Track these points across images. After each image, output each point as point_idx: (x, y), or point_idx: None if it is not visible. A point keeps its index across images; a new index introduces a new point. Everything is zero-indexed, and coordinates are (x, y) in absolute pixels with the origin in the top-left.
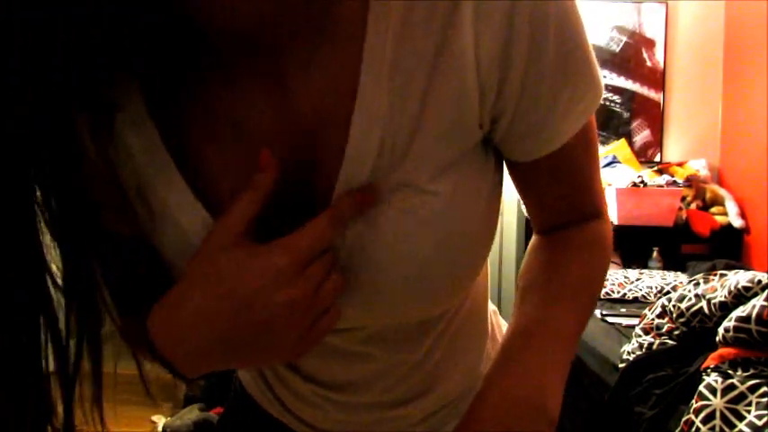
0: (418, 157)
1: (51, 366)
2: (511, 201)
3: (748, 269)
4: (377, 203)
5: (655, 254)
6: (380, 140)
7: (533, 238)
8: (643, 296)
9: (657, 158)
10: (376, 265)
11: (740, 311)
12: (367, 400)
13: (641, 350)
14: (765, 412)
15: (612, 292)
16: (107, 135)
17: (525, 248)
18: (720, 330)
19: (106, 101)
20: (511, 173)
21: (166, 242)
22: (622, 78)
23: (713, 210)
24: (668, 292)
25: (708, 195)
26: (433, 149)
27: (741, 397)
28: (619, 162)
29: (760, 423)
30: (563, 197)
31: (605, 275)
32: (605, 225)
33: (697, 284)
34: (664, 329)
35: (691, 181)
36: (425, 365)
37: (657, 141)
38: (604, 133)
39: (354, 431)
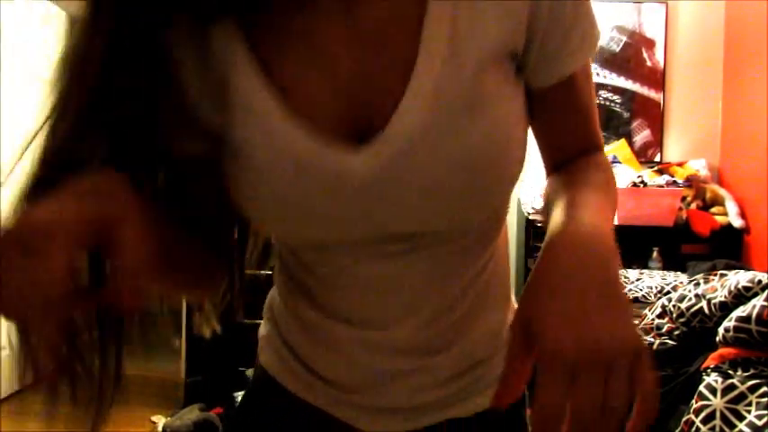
0: (474, 74)
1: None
2: (511, 205)
3: (748, 269)
4: (433, 113)
5: (655, 254)
6: (442, 59)
7: (548, 180)
8: (643, 296)
9: (657, 158)
10: (425, 165)
11: (740, 311)
12: (398, 337)
13: None
14: (765, 412)
15: None
16: (201, 39)
17: (525, 249)
18: (720, 330)
19: (209, 8)
20: (532, 109)
21: (248, 138)
22: (622, 78)
23: (713, 210)
24: (668, 292)
25: (708, 195)
26: (485, 70)
27: (741, 397)
28: (619, 162)
29: (760, 423)
30: (573, 129)
31: (617, 195)
32: (605, 158)
33: (697, 284)
34: (664, 329)
35: (691, 181)
36: (455, 311)
37: (657, 141)
38: (604, 133)
39: (380, 384)
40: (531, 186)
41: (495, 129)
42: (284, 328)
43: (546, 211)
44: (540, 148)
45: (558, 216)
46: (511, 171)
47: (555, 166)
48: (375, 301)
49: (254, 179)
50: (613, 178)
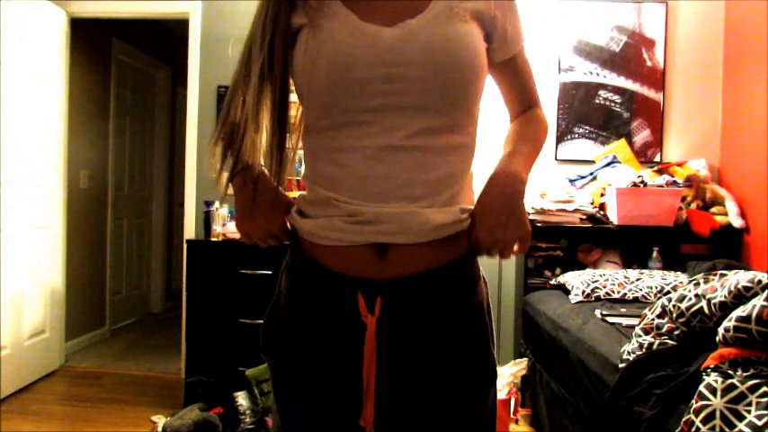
0: (461, 15)
1: None
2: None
3: (748, 269)
4: (435, 21)
5: (655, 254)
6: (443, 6)
7: (510, 124)
8: (643, 296)
9: (657, 158)
10: (425, 40)
11: (740, 311)
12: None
13: (641, 350)
14: (765, 412)
15: (612, 292)
16: None
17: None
18: (720, 330)
19: None
20: (496, 77)
21: (334, 27)
22: (622, 78)
23: (713, 210)
24: (668, 292)
25: (708, 195)
26: (470, 12)
27: (741, 397)
28: (619, 162)
29: (760, 423)
30: (522, 89)
31: (545, 137)
32: (542, 111)
33: (697, 284)
34: (664, 329)
35: (691, 181)
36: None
37: (657, 141)
38: (604, 133)
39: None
40: (530, 187)
41: (467, 35)
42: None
43: (502, 144)
44: (506, 104)
45: (499, 160)
46: (474, 66)
47: (514, 115)
48: (373, 185)
49: (329, 43)
50: (545, 126)
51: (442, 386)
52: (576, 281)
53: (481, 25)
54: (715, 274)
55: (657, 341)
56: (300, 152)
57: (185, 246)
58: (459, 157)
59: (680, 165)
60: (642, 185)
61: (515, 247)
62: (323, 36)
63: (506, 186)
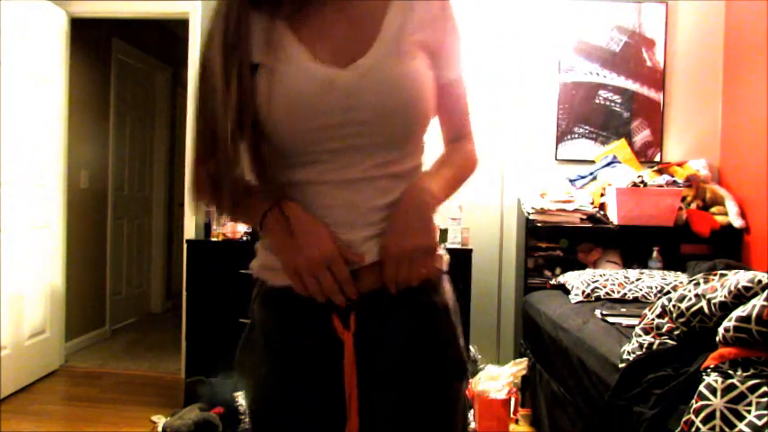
0: (409, 47)
1: None
2: (511, 205)
3: (748, 269)
4: (384, 59)
5: (655, 254)
6: (392, 36)
7: (443, 150)
8: (643, 296)
9: (657, 158)
10: (377, 80)
11: (740, 311)
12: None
13: (641, 350)
14: (765, 412)
15: (612, 292)
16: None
17: (525, 250)
18: (720, 330)
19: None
20: (437, 100)
21: (287, 69)
22: (622, 78)
23: (713, 210)
24: (668, 292)
25: (708, 195)
26: (416, 44)
27: (741, 397)
28: (619, 162)
29: (760, 423)
30: (451, 118)
31: (471, 172)
32: (473, 146)
33: (697, 284)
34: (664, 329)
35: (691, 181)
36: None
37: (657, 141)
38: (604, 133)
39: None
40: (530, 187)
41: (416, 73)
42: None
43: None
44: (442, 129)
45: (420, 177)
46: (424, 102)
47: (447, 141)
48: (338, 214)
49: (287, 88)
50: (472, 160)
51: (415, 381)
52: (576, 281)
53: (428, 53)
54: (715, 274)
55: (657, 341)
56: None
57: (185, 246)
58: (411, 178)
59: (680, 165)
60: (642, 185)
61: (419, 266)
62: (279, 79)
63: (415, 198)
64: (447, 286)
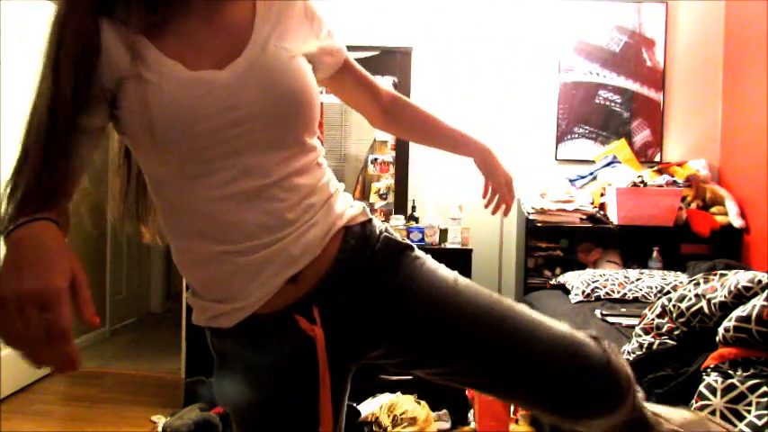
0: (285, 42)
1: None
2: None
3: (748, 269)
4: (256, 60)
5: (655, 254)
6: (263, 41)
7: (387, 115)
8: (643, 296)
9: (657, 158)
10: (265, 72)
11: (740, 311)
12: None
13: (641, 350)
14: (765, 412)
15: (612, 292)
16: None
17: (525, 249)
18: (720, 330)
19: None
20: (338, 88)
21: (160, 81)
22: (622, 78)
23: (713, 210)
24: (668, 292)
25: (708, 195)
26: (290, 41)
27: (741, 397)
28: (619, 162)
29: (760, 423)
30: (366, 88)
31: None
32: (387, 89)
33: (697, 284)
34: (664, 329)
35: (691, 181)
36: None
37: (657, 141)
38: (604, 133)
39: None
40: (530, 187)
41: (292, 60)
42: (189, 280)
43: (390, 108)
44: (360, 109)
45: (465, 137)
46: (308, 86)
47: (380, 107)
48: (255, 226)
49: (163, 98)
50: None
51: (399, 280)
52: (576, 281)
53: (307, 52)
54: (715, 274)
55: (657, 341)
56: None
57: None
58: (317, 169)
59: (680, 165)
60: (642, 185)
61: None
62: (153, 91)
63: (491, 154)
64: (375, 222)
